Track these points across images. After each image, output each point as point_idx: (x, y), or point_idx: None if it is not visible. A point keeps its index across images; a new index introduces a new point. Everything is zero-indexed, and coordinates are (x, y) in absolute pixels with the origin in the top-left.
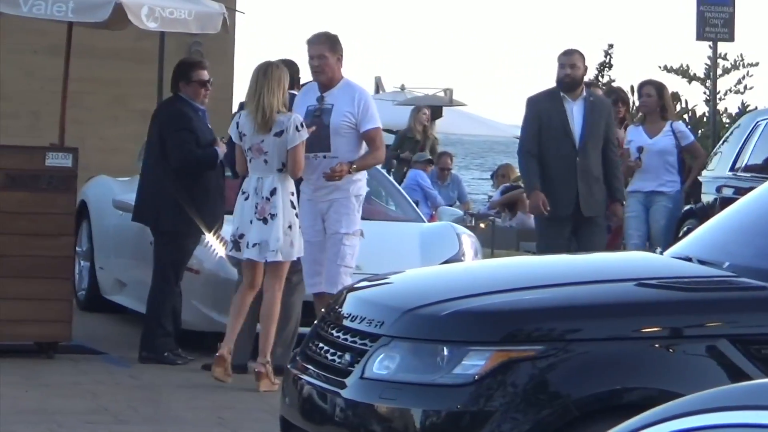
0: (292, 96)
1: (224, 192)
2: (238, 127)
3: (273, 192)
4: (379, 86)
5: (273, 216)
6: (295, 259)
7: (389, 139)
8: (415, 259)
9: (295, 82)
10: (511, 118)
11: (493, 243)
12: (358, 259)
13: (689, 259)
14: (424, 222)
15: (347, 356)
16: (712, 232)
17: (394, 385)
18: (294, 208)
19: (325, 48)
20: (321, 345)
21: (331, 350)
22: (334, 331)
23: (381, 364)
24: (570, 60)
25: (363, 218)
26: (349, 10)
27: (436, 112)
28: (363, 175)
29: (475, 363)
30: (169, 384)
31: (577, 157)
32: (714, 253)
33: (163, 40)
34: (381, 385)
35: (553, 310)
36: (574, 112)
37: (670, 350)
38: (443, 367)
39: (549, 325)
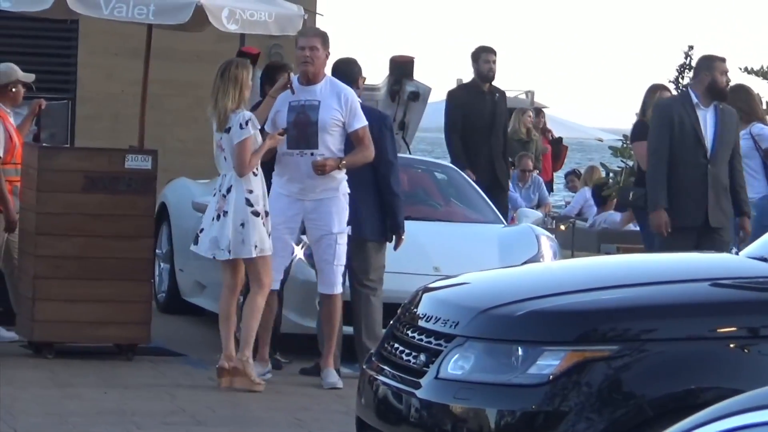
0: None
1: None
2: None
3: (229, 190)
4: None
5: (225, 213)
6: (252, 256)
7: None
8: (494, 260)
9: (354, 80)
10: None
11: (573, 245)
12: (438, 260)
13: (765, 260)
14: (504, 224)
15: (422, 356)
16: None
17: (469, 385)
18: (250, 205)
19: (318, 41)
20: (396, 345)
21: (407, 350)
22: (409, 332)
23: (456, 364)
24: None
25: (442, 219)
26: (428, 12)
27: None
28: (344, 174)
29: (549, 363)
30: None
31: (708, 166)
32: None
33: (243, 43)
34: (456, 385)
35: (628, 310)
36: (707, 119)
37: (745, 350)
38: (518, 367)
39: (624, 325)
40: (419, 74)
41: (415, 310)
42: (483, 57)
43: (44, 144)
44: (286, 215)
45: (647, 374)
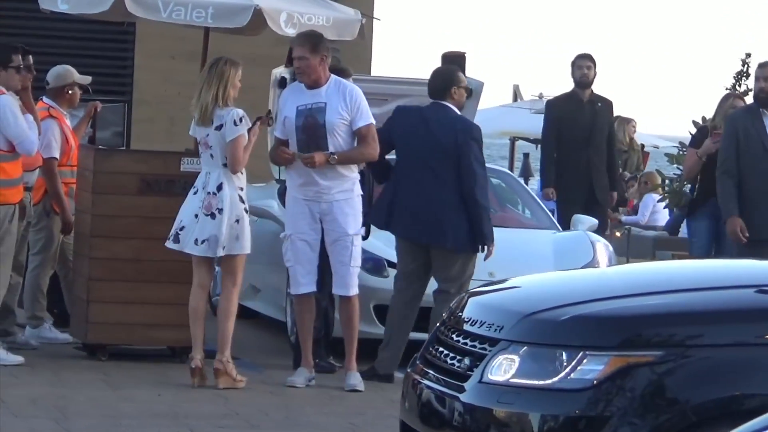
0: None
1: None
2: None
3: (219, 187)
4: (516, 94)
5: (220, 211)
6: (245, 253)
7: (528, 147)
8: (549, 266)
9: (444, 93)
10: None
11: (628, 251)
12: (492, 265)
13: None
14: (559, 230)
15: (466, 360)
16: None
17: (512, 389)
18: (243, 202)
19: (306, 50)
20: (441, 349)
21: (451, 354)
22: (454, 335)
23: (500, 369)
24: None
25: (497, 225)
26: (487, 17)
27: None
28: (357, 174)
29: (593, 368)
30: (300, 389)
31: None
32: None
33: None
34: (499, 390)
35: (672, 316)
36: None
37: None
38: (561, 371)
39: (667, 331)
40: (471, 70)
41: (460, 314)
42: (577, 63)
43: (100, 146)
44: (306, 218)
45: (691, 380)
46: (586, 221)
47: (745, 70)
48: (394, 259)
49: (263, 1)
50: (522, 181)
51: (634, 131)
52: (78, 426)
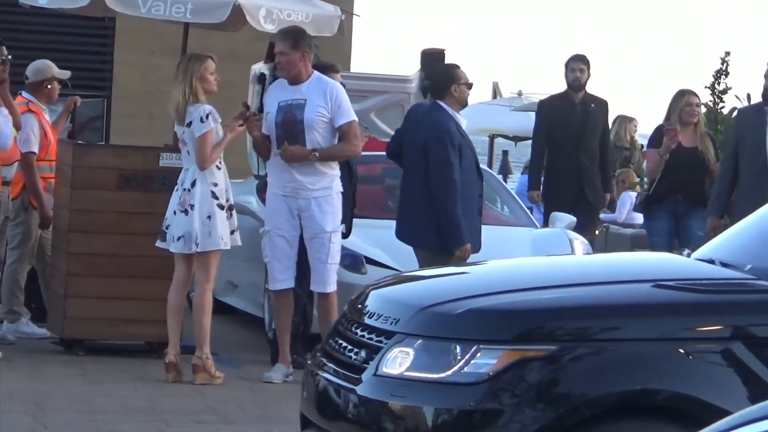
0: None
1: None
2: None
3: (193, 183)
4: (496, 91)
5: (192, 207)
6: (217, 248)
7: (507, 145)
8: None
9: (443, 91)
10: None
11: (606, 249)
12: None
13: (712, 262)
14: (537, 227)
15: (363, 353)
16: (740, 235)
17: (406, 382)
18: (216, 198)
19: (287, 45)
20: (340, 341)
21: (349, 347)
22: (353, 328)
23: (394, 362)
24: None
25: None
26: (465, 14)
27: None
28: (338, 171)
29: (486, 361)
30: (277, 385)
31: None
32: (738, 255)
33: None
34: (393, 383)
35: (567, 310)
36: None
37: (682, 352)
38: (455, 365)
39: (562, 325)
40: None
41: (360, 306)
42: (570, 65)
43: (79, 141)
44: (285, 214)
45: (584, 375)
46: (564, 218)
47: (724, 68)
48: (372, 255)
49: None
50: (501, 178)
51: (635, 130)
52: (55, 421)
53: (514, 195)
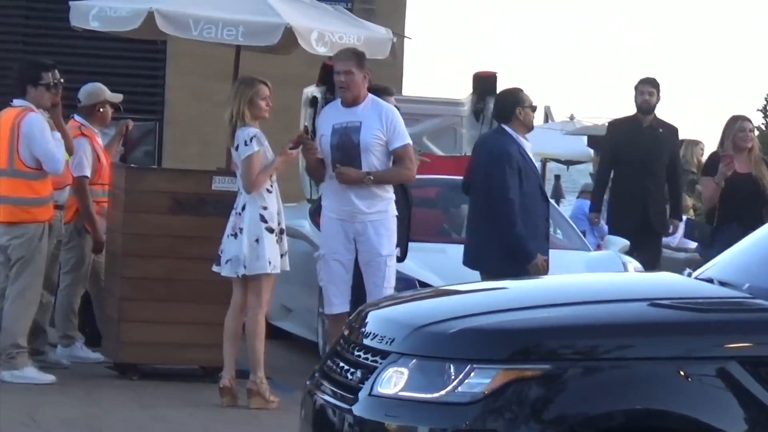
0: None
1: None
2: None
3: (243, 207)
4: (548, 115)
5: (241, 230)
6: (266, 272)
7: (559, 169)
8: None
9: (508, 115)
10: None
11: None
12: None
13: (711, 281)
14: (590, 251)
15: (359, 373)
16: (740, 255)
17: (401, 402)
18: (265, 221)
19: (353, 64)
20: (338, 361)
21: (346, 367)
22: (350, 348)
23: (389, 382)
24: None
25: None
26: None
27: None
28: (393, 194)
29: (481, 381)
30: None
31: None
32: (737, 275)
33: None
34: (388, 403)
35: (563, 329)
36: None
37: (679, 371)
38: (449, 385)
39: (557, 344)
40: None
41: (357, 327)
42: (639, 88)
43: (132, 165)
44: (340, 238)
45: (579, 395)
46: (618, 242)
47: None
48: (426, 279)
49: (294, 20)
50: (553, 202)
51: (702, 153)
52: None
53: (567, 219)
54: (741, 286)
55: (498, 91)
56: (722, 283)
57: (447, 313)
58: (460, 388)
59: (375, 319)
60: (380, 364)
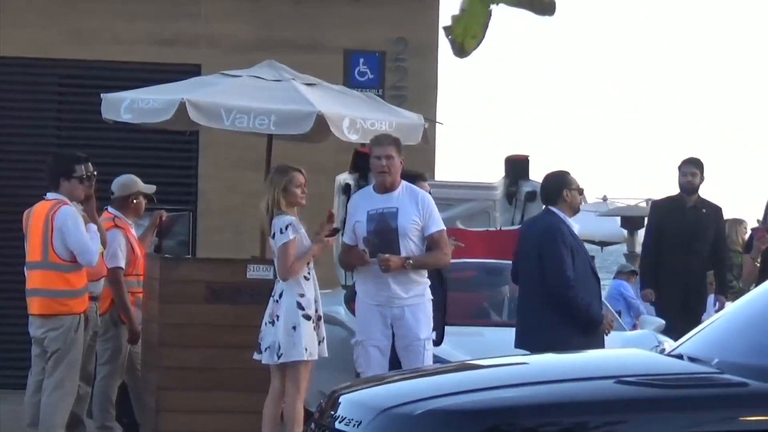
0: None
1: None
2: None
3: (281, 294)
4: (581, 197)
5: (278, 317)
6: (302, 359)
7: (593, 250)
8: None
9: (555, 198)
10: None
11: None
12: None
13: (681, 357)
14: (626, 330)
15: None
16: (712, 329)
17: None
18: (302, 309)
19: (393, 149)
20: None
21: None
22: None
23: None
24: None
25: None
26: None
27: (638, 223)
28: (427, 279)
29: None
30: None
31: None
32: (707, 350)
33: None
34: None
35: (526, 408)
36: None
37: None
38: None
39: (521, 424)
40: (534, 173)
41: (327, 410)
42: (682, 169)
43: (166, 255)
44: (378, 324)
45: None
46: (653, 321)
47: None
48: None
49: (326, 107)
50: None
51: (746, 232)
52: None
53: (603, 299)
54: (710, 361)
55: (544, 175)
56: (692, 359)
57: (415, 394)
58: None
59: (345, 402)
60: None
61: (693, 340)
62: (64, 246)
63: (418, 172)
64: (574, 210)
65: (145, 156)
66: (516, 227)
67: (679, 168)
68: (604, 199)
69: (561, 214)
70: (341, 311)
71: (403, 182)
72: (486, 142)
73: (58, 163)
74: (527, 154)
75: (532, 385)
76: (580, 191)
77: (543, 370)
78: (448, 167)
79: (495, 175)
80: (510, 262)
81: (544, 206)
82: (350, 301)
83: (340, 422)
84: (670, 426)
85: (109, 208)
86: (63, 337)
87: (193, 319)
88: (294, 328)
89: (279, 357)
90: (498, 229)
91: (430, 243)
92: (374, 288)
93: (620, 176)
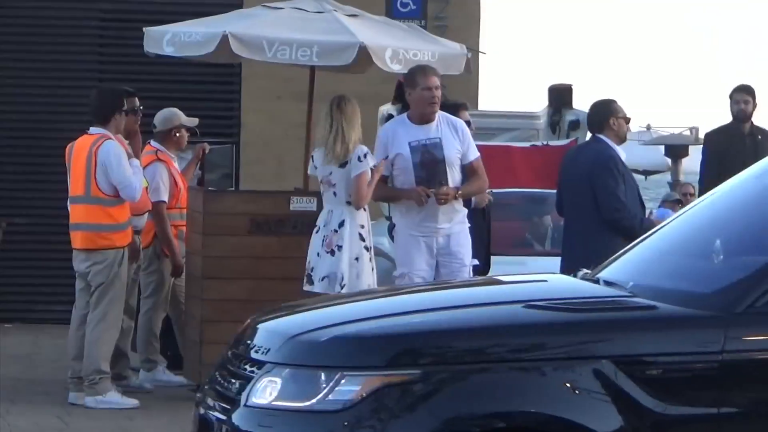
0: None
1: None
2: (313, 161)
3: (341, 224)
4: None
5: (339, 248)
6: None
7: (637, 179)
8: None
9: (602, 125)
10: None
11: None
12: None
13: (597, 281)
14: None
15: (237, 384)
16: (632, 254)
17: (274, 412)
18: (363, 240)
19: (440, 80)
20: (223, 374)
21: (229, 378)
22: (235, 360)
23: (264, 392)
24: None
25: None
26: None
27: (682, 152)
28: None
29: (350, 388)
30: None
31: None
32: (625, 274)
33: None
34: (261, 413)
35: (431, 334)
36: None
37: (550, 372)
38: (320, 393)
39: (426, 349)
40: (578, 102)
41: (242, 338)
42: (735, 97)
43: (209, 188)
44: (423, 255)
45: (449, 398)
46: None
47: None
48: None
49: (368, 39)
50: None
51: None
52: None
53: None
54: (626, 285)
55: (591, 104)
56: (608, 283)
57: (325, 321)
58: (330, 396)
59: (258, 330)
60: (257, 374)
61: (615, 264)
62: (106, 180)
63: (460, 102)
64: (621, 138)
65: (188, 89)
66: (564, 142)
67: (731, 96)
68: (648, 127)
69: (609, 142)
70: (385, 243)
71: (438, 112)
72: (529, 71)
73: (106, 97)
74: (570, 83)
75: (443, 310)
76: (627, 120)
77: (456, 295)
78: (491, 97)
79: (538, 104)
80: (554, 191)
81: (590, 135)
82: (392, 232)
83: (251, 350)
84: (579, 349)
85: (152, 142)
86: (107, 271)
87: (236, 252)
88: (357, 259)
89: (342, 287)
90: (545, 143)
91: (470, 170)
92: (419, 219)
93: (664, 104)
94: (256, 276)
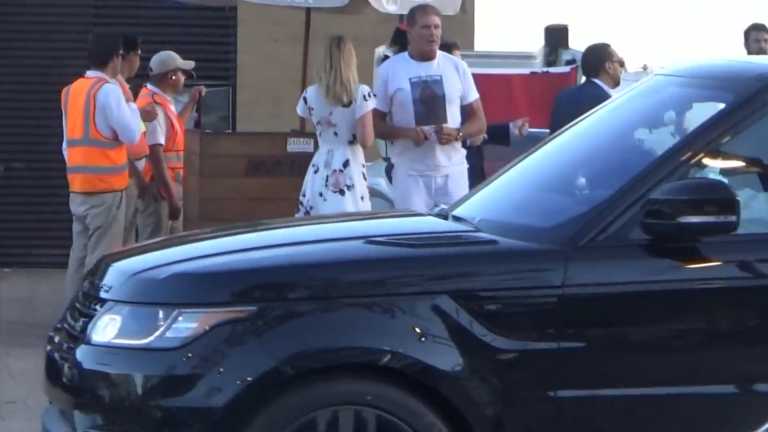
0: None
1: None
2: (306, 102)
3: (346, 164)
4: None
5: (350, 187)
6: None
7: None
8: None
9: (597, 69)
10: None
11: None
12: None
13: (446, 217)
14: None
15: (81, 322)
16: (488, 190)
17: (113, 350)
18: (365, 179)
19: (439, 19)
20: (74, 313)
21: (77, 316)
22: (83, 299)
23: (104, 330)
24: None
25: None
26: None
27: None
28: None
29: (187, 326)
30: None
31: None
32: (474, 209)
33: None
34: (101, 351)
35: (267, 270)
36: None
37: (387, 308)
38: (157, 330)
39: (261, 285)
40: (574, 42)
41: (92, 277)
42: (752, 36)
43: (206, 130)
44: (421, 194)
45: (284, 335)
46: None
47: None
48: None
49: None
50: None
51: None
52: None
53: None
54: (473, 220)
55: (586, 47)
56: (456, 218)
57: (169, 258)
58: (168, 333)
59: (105, 269)
60: (98, 312)
61: (470, 200)
62: (105, 123)
63: (451, 41)
64: (616, 82)
65: (183, 32)
66: (565, 69)
67: (747, 34)
68: (645, 68)
69: (603, 86)
70: (382, 183)
71: (439, 51)
72: (525, 11)
73: (104, 40)
74: (566, 22)
75: (285, 246)
76: (621, 63)
77: (301, 232)
78: (487, 37)
79: (534, 44)
80: (548, 131)
81: (584, 78)
82: (391, 172)
83: (104, 291)
84: (416, 284)
85: (148, 85)
86: (105, 214)
87: (233, 193)
88: (362, 198)
89: None
90: (546, 71)
91: (469, 111)
92: (419, 157)
93: (660, 44)
94: (252, 217)
